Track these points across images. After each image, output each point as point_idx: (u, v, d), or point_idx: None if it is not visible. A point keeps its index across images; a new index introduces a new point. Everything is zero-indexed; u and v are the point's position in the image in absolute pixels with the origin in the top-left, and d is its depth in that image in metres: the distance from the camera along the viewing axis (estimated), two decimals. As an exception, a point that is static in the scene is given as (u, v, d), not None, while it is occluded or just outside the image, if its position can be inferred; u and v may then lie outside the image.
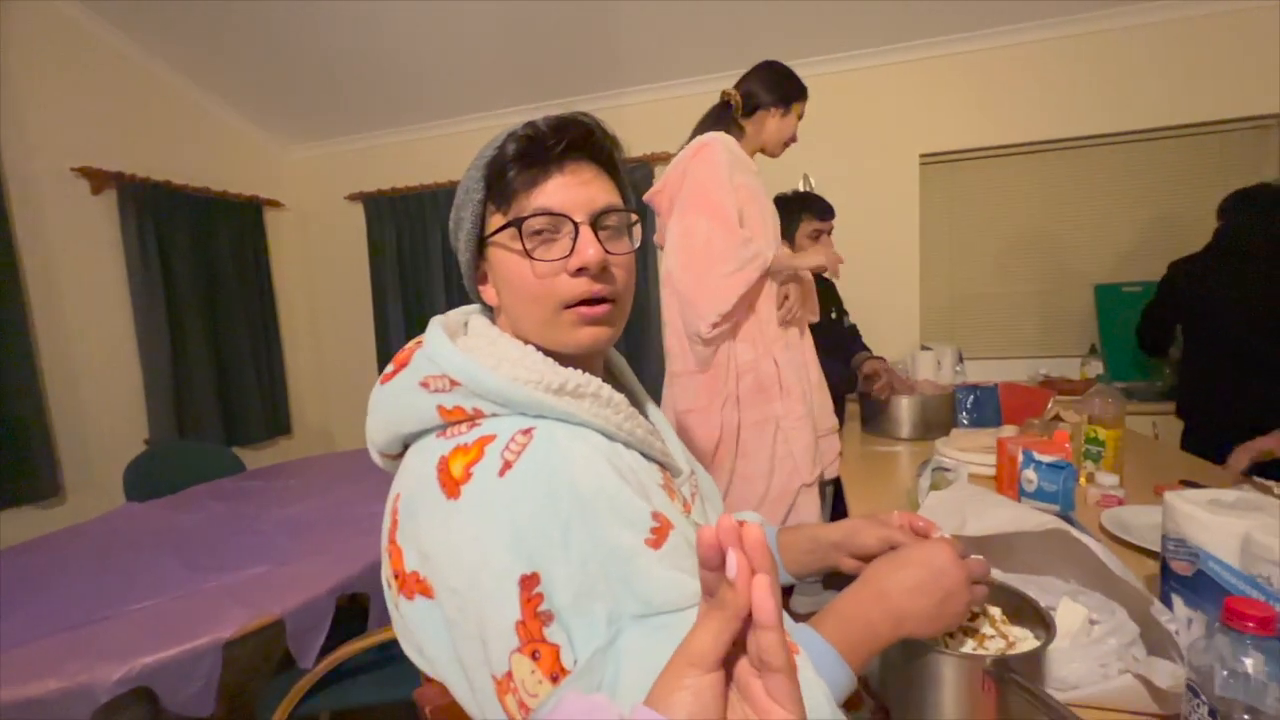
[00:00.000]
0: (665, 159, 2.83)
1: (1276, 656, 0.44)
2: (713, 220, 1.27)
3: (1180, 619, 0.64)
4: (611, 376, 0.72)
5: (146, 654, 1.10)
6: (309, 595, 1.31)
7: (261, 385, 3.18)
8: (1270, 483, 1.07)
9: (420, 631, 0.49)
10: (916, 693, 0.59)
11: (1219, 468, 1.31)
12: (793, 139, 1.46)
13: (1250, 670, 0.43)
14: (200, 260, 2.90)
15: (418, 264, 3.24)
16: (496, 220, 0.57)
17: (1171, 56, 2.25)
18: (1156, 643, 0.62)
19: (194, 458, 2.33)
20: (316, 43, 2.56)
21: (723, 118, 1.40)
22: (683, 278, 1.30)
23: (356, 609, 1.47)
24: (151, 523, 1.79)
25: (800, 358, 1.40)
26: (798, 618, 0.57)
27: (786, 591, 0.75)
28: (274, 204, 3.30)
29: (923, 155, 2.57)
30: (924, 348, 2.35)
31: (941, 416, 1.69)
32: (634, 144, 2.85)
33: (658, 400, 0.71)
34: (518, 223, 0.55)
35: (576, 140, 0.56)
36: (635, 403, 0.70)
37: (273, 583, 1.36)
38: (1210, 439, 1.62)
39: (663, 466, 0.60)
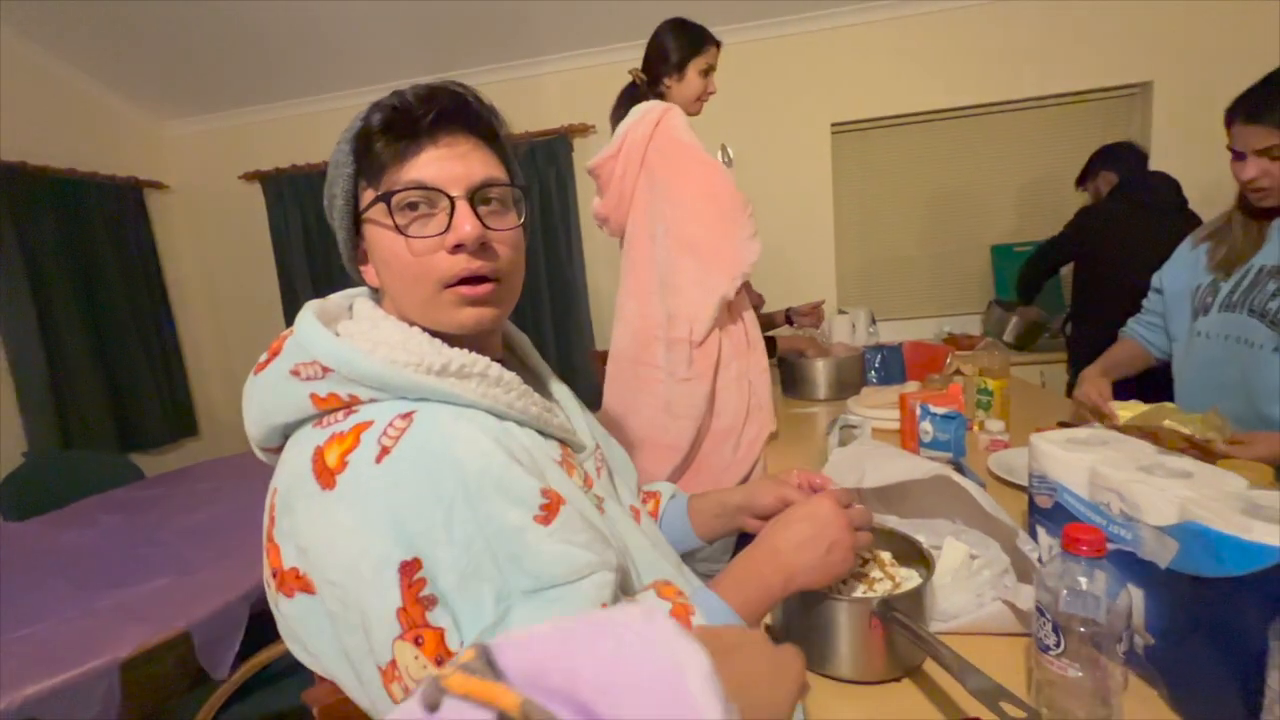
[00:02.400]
0: (585, 130, 2.77)
1: (1109, 575, 0.49)
2: (724, 182, 1.28)
3: (1044, 547, 0.71)
4: (512, 354, 0.70)
5: (30, 684, 1.01)
6: (218, 604, 1.25)
7: (159, 385, 2.92)
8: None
9: (304, 629, 0.48)
10: (815, 636, 0.63)
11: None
12: (708, 92, 1.40)
13: (1086, 588, 0.49)
14: (72, 250, 2.61)
15: (328, 246, 3.04)
16: (369, 196, 0.55)
17: (1050, 30, 2.43)
18: (1025, 571, 0.68)
19: (81, 468, 2.14)
20: (189, 2, 2.31)
21: (636, 97, 1.36)
22: (708, 238, 1.27)
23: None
24: (32, 542, 1.63)
25: (753, 312, 1.43)
26: None
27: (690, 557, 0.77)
28: (157, 185, 3.01)
29: (834, 124, 2.64)
30: (841, 311, 2.45)
31: (853, 376, 1.78)
32: (552, 115, 2.77)
33: (570, 378, 0.70)
34: (387, 197, 0.52)
35: (448, 111, 0.54)
36: (536, 379, 0.69)
37: (176, 595, 1.28)
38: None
39: (563, 442, 0.60)
